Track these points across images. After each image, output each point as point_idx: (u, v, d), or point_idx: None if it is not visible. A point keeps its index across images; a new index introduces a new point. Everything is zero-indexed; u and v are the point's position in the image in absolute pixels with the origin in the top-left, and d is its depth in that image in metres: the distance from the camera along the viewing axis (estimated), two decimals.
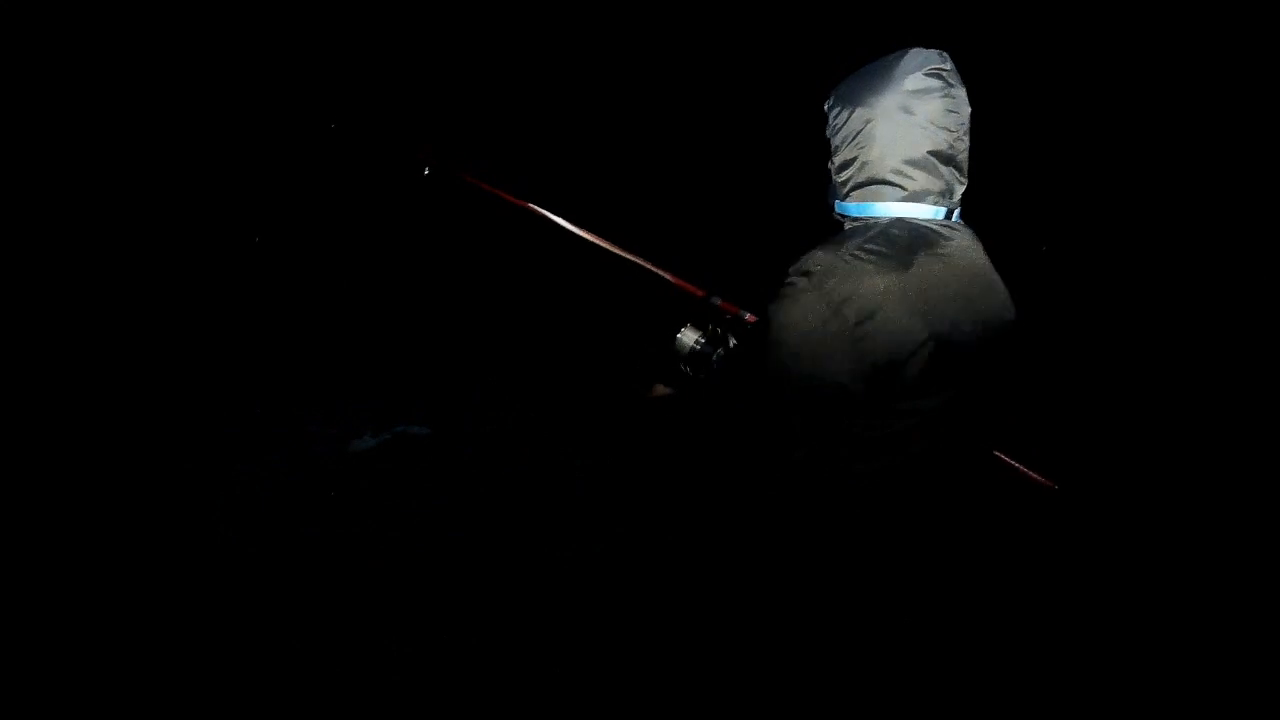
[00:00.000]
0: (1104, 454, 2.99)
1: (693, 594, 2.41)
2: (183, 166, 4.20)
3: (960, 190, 1.39)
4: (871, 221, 1.38)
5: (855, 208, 1.40)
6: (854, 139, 1.38)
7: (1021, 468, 1.66)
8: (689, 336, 1.63)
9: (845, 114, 1.39)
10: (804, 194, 1.50)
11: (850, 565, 1.40)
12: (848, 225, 1.42)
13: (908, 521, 1.39)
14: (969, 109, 1.37)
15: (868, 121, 1.36)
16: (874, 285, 1.28)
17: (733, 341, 1.61)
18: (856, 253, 1.31)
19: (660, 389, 1.69)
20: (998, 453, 1.64)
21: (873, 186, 1.37)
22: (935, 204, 1.37)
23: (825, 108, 1.44)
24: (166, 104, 4.14)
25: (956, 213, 1.40)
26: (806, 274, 1.32)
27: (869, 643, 1.44)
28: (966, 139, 1.37)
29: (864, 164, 1.37)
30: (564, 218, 1.86)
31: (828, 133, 1.43)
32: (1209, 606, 2.55)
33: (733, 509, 1.51)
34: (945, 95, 1.34)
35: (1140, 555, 2.65)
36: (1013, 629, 2.28)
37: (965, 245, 1.39)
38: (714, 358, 1.61)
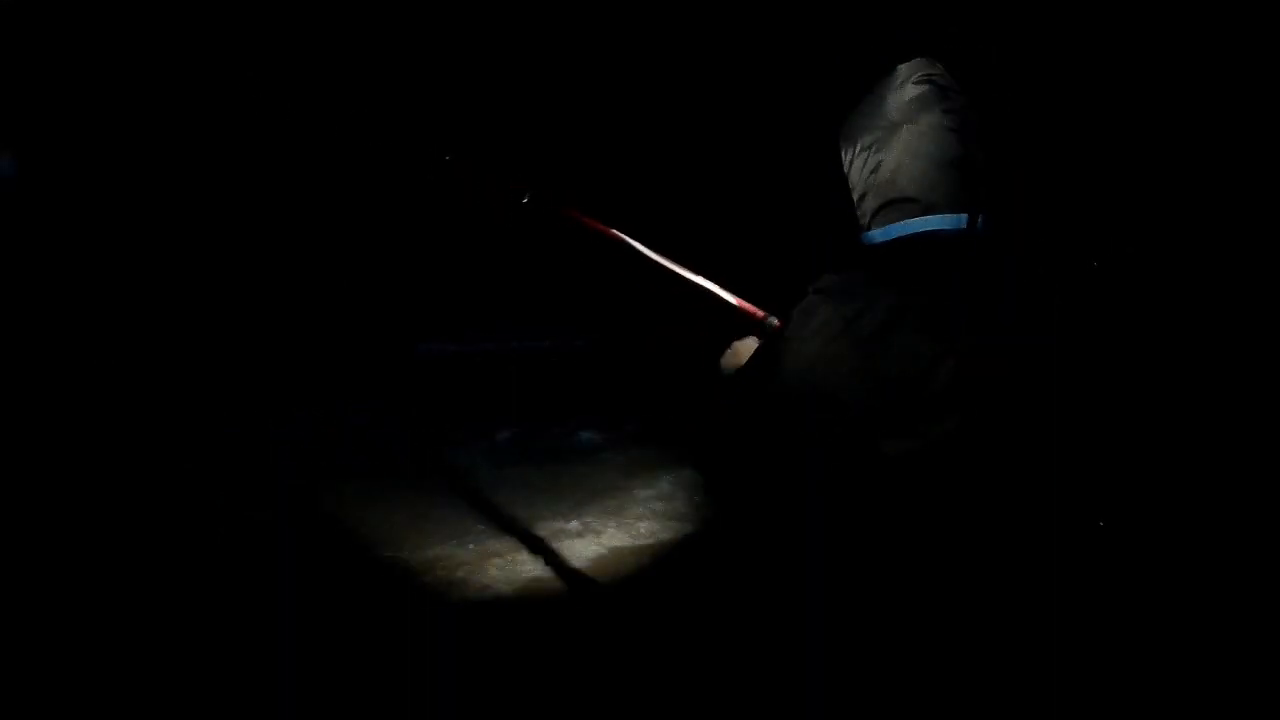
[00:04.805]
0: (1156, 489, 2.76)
1: (707, 594, 2.39)
2: (210, 173, 4.20)
3: (981, 195, 1.37)
4: (893, 241, 1.37)
5: (879, 234, 1.39)
6: (864, 170, 1.38)
7: (1059, 502, 1.57)
8: None
9: (850, 150, 1.40)
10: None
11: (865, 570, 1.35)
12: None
13: (929, 538, 1.34)
14: (972, 109, 1.36)
15: (870, 148, 1.36)
16: (887, 302, 1.28)
17: None
18: (872, 269, 1.32)
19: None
20: (1034, 485, 1.55)
21: (888, 208, 1.36)
22: (955, 212, 1.35)
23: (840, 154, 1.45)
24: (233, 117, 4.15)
25: (981, 219, 1.37)
26: (821, 291, 1.34)
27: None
28: (976, 140, 1.35)
29: (877, 190, 1.37)
30: (637, 240, 1.86)
31: (844, 171, 1.44)
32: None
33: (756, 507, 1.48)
34: (940, 98, 1.33)
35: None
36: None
37: (990, 256, 1.37)
38: None
